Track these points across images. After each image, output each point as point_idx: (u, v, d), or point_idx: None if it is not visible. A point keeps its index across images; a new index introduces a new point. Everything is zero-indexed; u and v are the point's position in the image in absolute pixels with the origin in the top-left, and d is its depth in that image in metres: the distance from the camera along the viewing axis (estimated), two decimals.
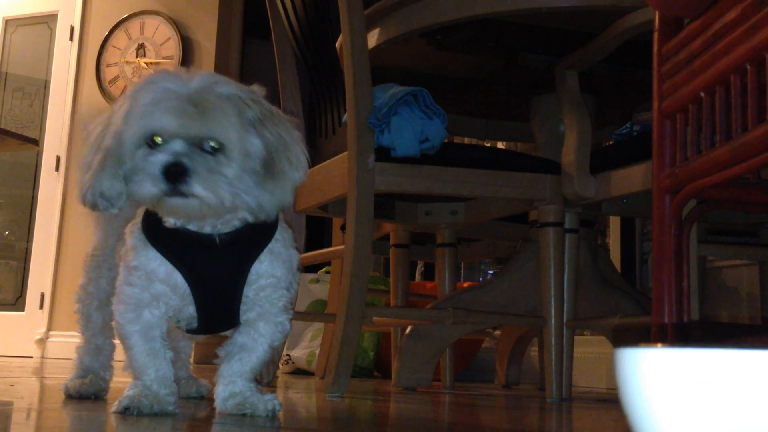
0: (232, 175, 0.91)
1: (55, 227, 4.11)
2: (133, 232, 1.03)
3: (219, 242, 1.00)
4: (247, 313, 1.06)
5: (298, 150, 0.98)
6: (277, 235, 1.05)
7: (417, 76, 2.14)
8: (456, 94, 2.26)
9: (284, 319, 1.08)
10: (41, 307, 4.06)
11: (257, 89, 0.99)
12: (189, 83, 0.92)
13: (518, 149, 2.83)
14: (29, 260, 4.17)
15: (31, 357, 3.87)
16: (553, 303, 1.76)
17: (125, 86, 4.13)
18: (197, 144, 0.91)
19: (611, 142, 2.31)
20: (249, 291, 1.05)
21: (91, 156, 0.95)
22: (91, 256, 1.27)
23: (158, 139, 0.91)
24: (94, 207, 0.94)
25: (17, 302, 4.16)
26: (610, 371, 2.66)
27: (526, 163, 1.78)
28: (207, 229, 1.00)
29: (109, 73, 4.18)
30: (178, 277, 1.01)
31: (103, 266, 1.24)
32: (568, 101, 1.79)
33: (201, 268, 1.02)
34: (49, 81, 4.32)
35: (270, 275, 1.04)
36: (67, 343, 3.82)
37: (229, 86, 0.94)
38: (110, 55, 4.19)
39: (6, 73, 4.44)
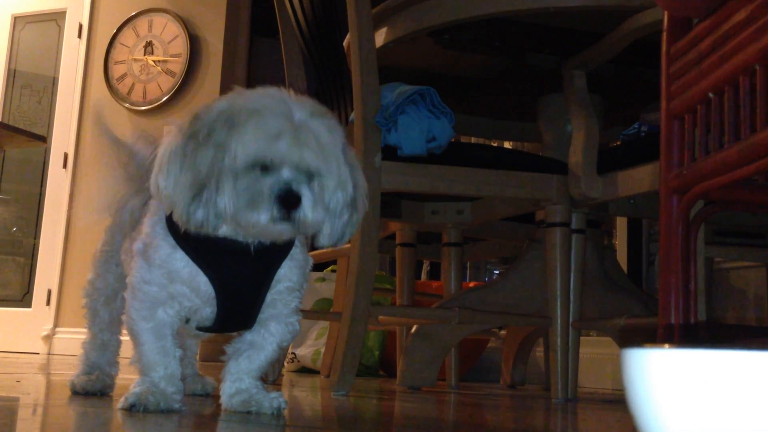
0: (329, 205, 0.97)
1: (63, 224, 4.13)
2: (157, 232, 1.02)
3: (253, 251, 1.01)
4: (260, 313, 1.07)
5: (366, 187, 1.03)
6: (296, 241, 1.07)
7: (424, 75, 2.14)
8: (463, 94, 2.26)
9: (295, 319, 1.09)
10: (48, 303, 4.08)
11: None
12: (301, 111, 0.94)
13: (525, 149, 2.83)
14: (36, 257, 4.19)
15: (38, 353, 3.88)
16: (559, 303, 1.76)
17: (133, 83, 4.14)
18: (303, 171, 0.94)
19: (619, 143, 2.30)
20: (267, 295, 1.06)
21: (181, 173, 0.92)
22: (100, 251, 1.28)
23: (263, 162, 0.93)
24: (202, 226, 0.93)
25: (24, 298, 4.18)
26: (616, 372, 2.66)
27: (533, 163, 1.77)
28: (248, 238, 1.00)
29: (117, 71, 4.19)
30: (201, 280, 1.01)
31: (111, 262, 1.24)
32: (575, 101, 1.79)
33: (230, 274, 1.02)
34: (57, 78, 4.34)
35: (288, 279, 1.06)
36: (74, 339, 3.84)
37: (331, 118, 0.97)
38: (118, 53, 4.20)
39: (14, 70, 4.46)
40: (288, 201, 0.91)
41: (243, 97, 0.96)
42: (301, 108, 0.95)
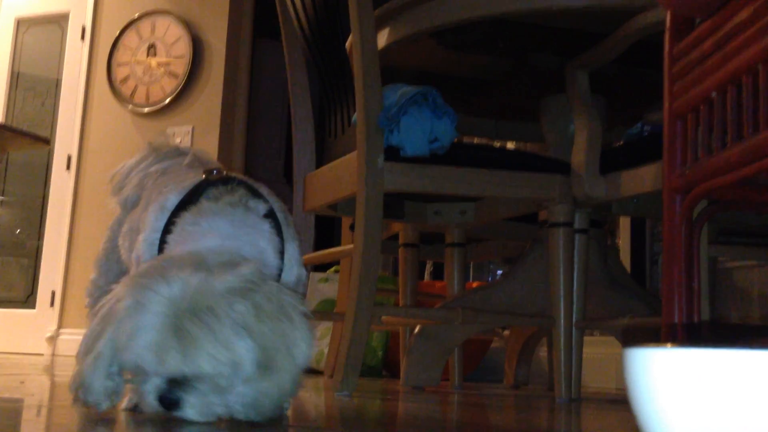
0: (225, 392, 0.86)
1: (66, 226, 4.14)
2: (145, 252, 1.02)
3: None
4: None
5: (298, 340, 0.89)
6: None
7: (427, 76, 2.14)
8: (466, 95, 2.26)
9: None
10: (52, 304, 4.08)
11: (251, 271, 0.88)
12: (172, 291, 0.84)
13: (528, 149, 2.83)
14: (40, 258, 4.20)
15: (42, 354, 3.89)
16: (562, 303, 1.76)
17: (135, 86, 4.15)
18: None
19: (621, 143, 2.31)
20: None
21: (92, 357, 0.89)
22: (102, 249, 1.29)
23: None
24: (85, 403, 0.91)
25: (28, 300, 4.19)
26: (620, 372, 2.65)
27: (536, 163, 1.77)
28: None
29: (120, 73, 4.20)
30: None
31: (112, 259, 1.25)
32: (578, 101, 1.79)
33: None
34: (61, 80, 4.35)
35: None
36: (78, 340, 3.84)
37: (214, 292, 0.85)
38: (121, 55, 4.21)
39: (18, 73, 4.47)
40: (165, 404, 0.85)
41: (147, 279, 0.86)
42: (174, 285, 0.84)
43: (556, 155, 1.94)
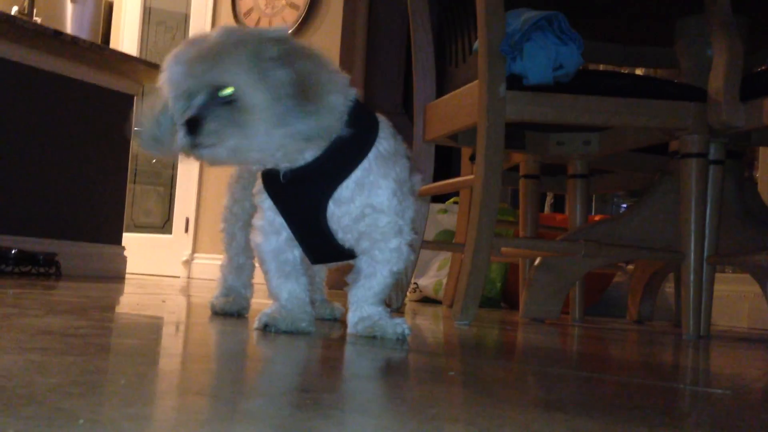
0: (248, 122, 0.92)
1: None
2: (259, 175, 1.11)
3: (282, 179, 1.03)
4: (360, 243, 1.08)
5: (328, 76, 0.98)
6: (365, 164, 1.03)
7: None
8: (593, 18, 2.15)
9: (399, 243, 1.07)
10: (186, 230, 4.33)
11: (280, 31, 0.99)
12: (206, 38, 0.96)
13: (659, 76, 2.68)
14: (175, 186, 4.44)
15: (179, 277, 4.16)
16: (693, 238, 1.68)
17: (259, 18, 4.23)
18: (215, 95, 0.93)
19: (765, 67, 2.14)
20: (344, 221, 1.04)
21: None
22: (237, 177, 1.34)
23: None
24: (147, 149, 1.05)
25: (165, 226, 4.46)
26: (753, 310, 2.54)
27: (668, 90, 1.68)
28: (281, 167, 1.02)
29: (244, 5, 4.28)
30: (275, 210, 1.09)
31: (249, 188, 1.30)
32: (717, 22, 1.66)
33: (281, 203, 1.07)
34: (189, 14, 4.49)
35: (364, 205, 1.03)
36: (210, 264, 4.08)
37: (243, 33, 0.96)
38: None
39: (150, 8, 4.65)
40: (190, 127, 0.93)
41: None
42: (209, 36, 0.96)
43: (691, 81, 1.83)
